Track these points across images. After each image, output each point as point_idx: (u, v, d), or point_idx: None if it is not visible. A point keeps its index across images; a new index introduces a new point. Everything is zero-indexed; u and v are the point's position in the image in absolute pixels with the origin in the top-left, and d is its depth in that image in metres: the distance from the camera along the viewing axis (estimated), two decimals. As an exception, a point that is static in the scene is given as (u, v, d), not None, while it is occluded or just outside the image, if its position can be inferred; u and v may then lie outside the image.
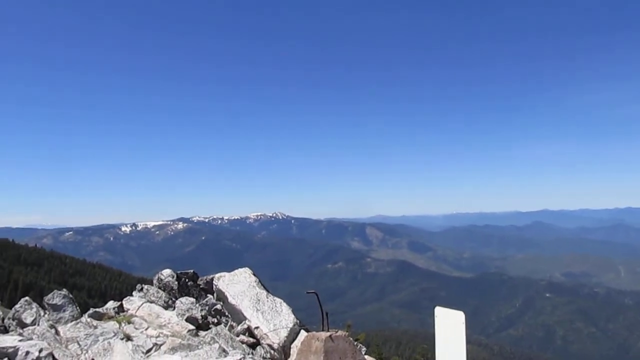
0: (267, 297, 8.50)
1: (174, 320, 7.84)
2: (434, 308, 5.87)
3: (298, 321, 8.19)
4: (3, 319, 7.37)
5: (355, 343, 6.44)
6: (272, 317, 8.09)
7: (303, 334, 7.91)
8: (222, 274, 9.31)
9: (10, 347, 5.80)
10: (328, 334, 5.54)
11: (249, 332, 7.93)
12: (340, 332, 5.63)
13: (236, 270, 9.29)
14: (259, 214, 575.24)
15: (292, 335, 7.90)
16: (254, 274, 9.10)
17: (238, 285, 8.80)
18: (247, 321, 8.06)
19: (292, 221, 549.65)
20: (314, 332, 5.78)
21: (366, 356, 8.32)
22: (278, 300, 8.50)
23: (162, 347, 6.69)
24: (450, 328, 5.18)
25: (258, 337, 7.84)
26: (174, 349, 6.61)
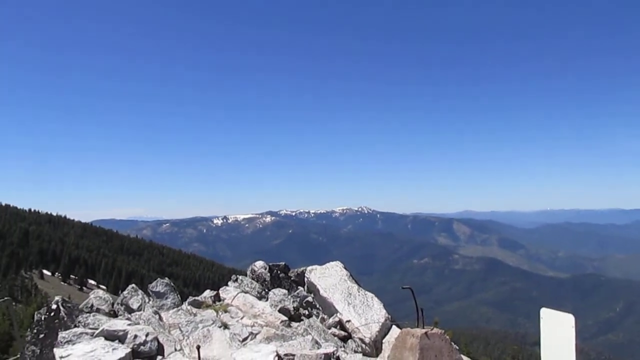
0: (359, 291, 8.50)
1: (267, 310, 8.02)
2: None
3: (389, 316, 8.12)
4: (113, 304, 7.90)
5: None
6: (363, 311, 8.07)
7: (395, 329, 7.83)
8: (314, 267, 9.42)
9: (121, 330, 6.21)
10: (424, 330, 5.43)
11: (341, 325, 7.97)
12: (436, 330, 5.49)
13: (327, 264, 9.36)
14: (344, 208, 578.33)
15: (384, 330, 7.84)
16: (345, 268, 9.13)
17: (329, 279, 8.87)
18: (338, 314, 8.10)
19: (378, 215, 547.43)
20: (409, 329, 5.68)
21: (462, 356, 8.10)
22: (369, 294, 8.47)
23: (257, 337, 6.88)
24: (558, 331, 4.86)
25: (349, 330, 7.86)
26: (268, 339, 6.77)
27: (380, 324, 7.83)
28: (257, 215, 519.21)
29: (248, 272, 9.62)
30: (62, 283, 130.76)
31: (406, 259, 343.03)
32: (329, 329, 7.79)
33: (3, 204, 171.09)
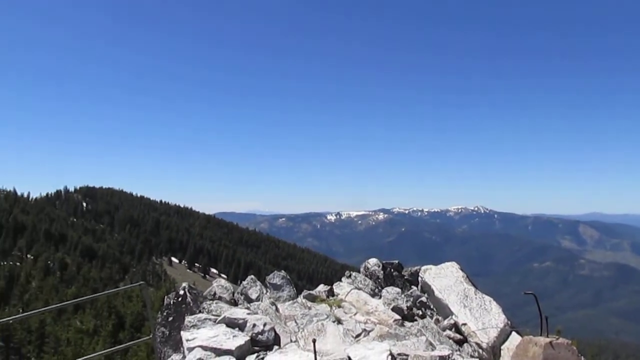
0: (475, 294, 8.18)
1: (380, 308, 7.98)
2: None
3: (509, 322, 7.72)
4: (233, 293, 8.30)
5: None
6: (480, 315, 7.75)
7: (514, 336, 7.44)
8: (428, 266, 9.22)
9: (241, 319, 6.52)
10: (548, 340, 5.08)
11: (456, 328, 7.72)
12: (561, 340, 5.12)
13: (443, 264, 9.11)
14: (460, 207, 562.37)
15: (503, 336, 7.47)
16: (461, 269, 8.82)
17: (445, 279, 8.63)
18: (453, 316, 7.85)
19: (495, 215, 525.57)
20: (531, 337, 5.36)
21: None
22: (487, 298, 8.11)
23: (370, 334, 6.87)
24: None
25: (465, 334, 7.59)
26: (382, 337, 6.73)
27: (499, 329, 7.47)
28: (370, 213, 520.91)
29: (361, 269, 9.64)
30: (188, 270, 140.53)
31: (525, 262, 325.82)
32: (444, 331, 7.58)
33: (139, 195, 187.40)
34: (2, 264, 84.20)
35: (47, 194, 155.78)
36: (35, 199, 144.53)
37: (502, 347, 7.37)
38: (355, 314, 7.65)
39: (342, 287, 8.79)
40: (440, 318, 8.13)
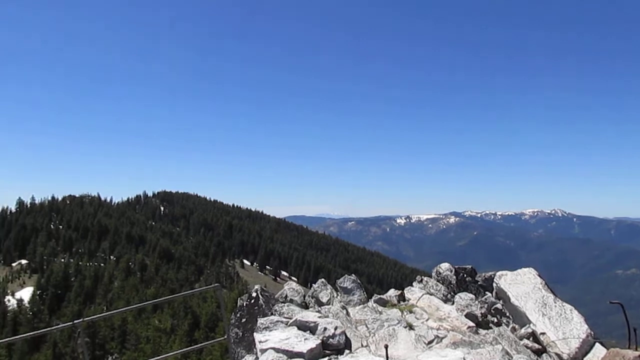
0: (555, 302, 7.80)
1: (453, 314, 7.79)
2: None
3: (591, 332, 7.30)
4: (304, 296, 8.37)
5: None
6: (560, 324, 7.38)
7: (598, 347, 7.03)
8: (504, 272, 8.90)
9: (312, 322, 6.56)
10: (637, 353, 4.77)
11: (534, 337, 7.40)
12: (653, 354, 4.78)
13: (519, 270, 8.77)
14: (535, 210, 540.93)
15: (585, 348, 7.08)
16: (539, 275, 8.45)
17: (522, 286, 8.30)
18: (531, 325, 7.53)
19: (574, 219, 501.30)
20: (618, 349, 5.05)
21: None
22: (568, 306, 7.70)
23: (443, 341, 6.71)
24: None
25: (544, 344, 7.25)
26: (455, 344, 6.57)
27: (581, 340, 7.08)
28: (441, 216, 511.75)
29: (433, 274, 9.46)
30: (259, 273, 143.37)
31: (608, 269, 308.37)
32: (521, 340, 7.29)
33: (212, 199, 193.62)
34: (88, 264, 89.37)
35: (128, 199, 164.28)
36: (117, 203, 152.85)
37: (584, 359, 6.99)
38: (427, 320, 7.51)
39: (414, 292, 8.66)
40: (516, 326, 7.83)
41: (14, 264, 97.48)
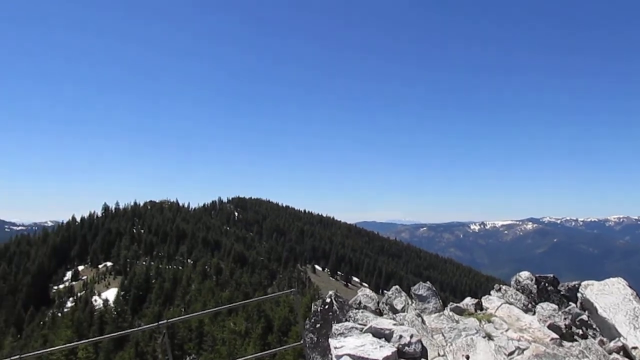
0: (648, 314, 7.31)
1: (534, 325, 7.47)
2: None
3: (690, 348, 6.77)
4: (378, 303, 8.32)
5: None
6: (654, 339, 6.91)
7: (698, 365, 6.52)
8: (590, 282, 8.44)
9: (387, 329, 6.48)
10: None
11: (624, 351, 6.96)
12: None
13: (607, 280, 8.29)
14: (621, 216, 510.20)
15: (683, 364, 6.59)
16: (630, 286, 7.95)
17: (610, 297, 7.83)
18: (621, 338, 7.09)
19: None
20: None
21: None
22: (662, 319, 7.20)
23: (525, 352, 6.45)
24: None
25: (636, 358, 6.82)
26: (538, 356, 6.30)
27: (678, 355, 6.60)
28: (517, 222, 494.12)
29: (512, 282, 9.11)
30: (331, 278, 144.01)
31: None
32: (610, 354, 6.88)
33: (284, 204, 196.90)
34: (167, 267, 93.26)
35: (204, 205, 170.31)
36: (194, 209, 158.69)
37: (682, 377, 6.50)
38: (507, 330, 7.25)
39: (492, 301, 8.38)
40: (604, 339, 7.40)
41: (100, 266, 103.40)
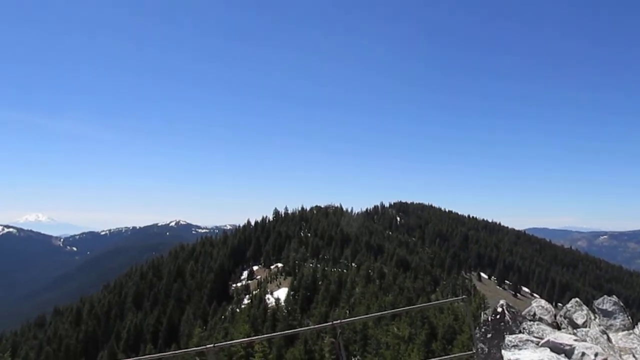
0: None
1: None
2: None
3: None
4: (555, 316, 7.83)
5: None
6: None
7: None
8: None
9: (567, 345, 6.08)
10: None
11: None
12: None
13: None
14: None
15: None
16: None
17: None
18: None
19: None
20: None
21: None
22: None
23: None
24: None
25: None
26: None
27: None
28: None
29: None
30: (498, 287, 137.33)
31: None
32: None
33: (447, 209, 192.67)
34: (332, 270, 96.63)
35: (367, 209, 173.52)
36: (357, 213, 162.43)
37: None
38: None
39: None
40: None
41: (272, 267, 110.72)
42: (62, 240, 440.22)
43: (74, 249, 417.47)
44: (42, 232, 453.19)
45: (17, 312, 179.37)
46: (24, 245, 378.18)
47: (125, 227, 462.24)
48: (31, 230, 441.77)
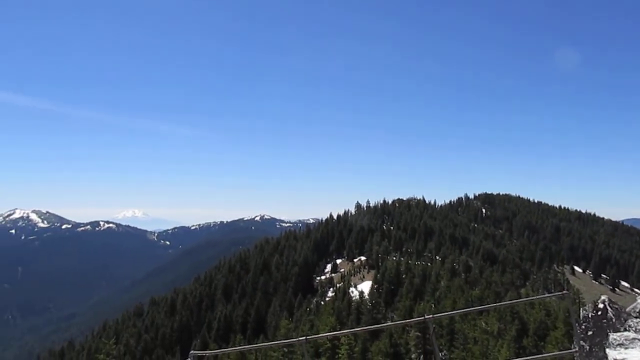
0: None
1: None
2: None
3: None
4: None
5: None
6: None
7: None
8: None
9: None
10: None
11: None
12: None
13: None
14: None
15: None
16: None
17: None
18: None
19: None
20: None
21: None
22: None
23: None
24: None
25: None
26: None
27: None
28: None
29: None
30: (593, 281, 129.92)
31: None
32: None
33: (535, 200, 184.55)
34: (416, 263, 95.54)
35: (450, 201, 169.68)
36: (440, 206, 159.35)
37: None
38: None
39: None
40: None
41: (355, 260, 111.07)
42: (156, 234, 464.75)
43: (167, 242, 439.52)
44: (138, 227, 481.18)
45: (118, 302, 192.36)
46: (123, 240, 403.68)
47: (214, 222, 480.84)
48: (128, 226, 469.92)
